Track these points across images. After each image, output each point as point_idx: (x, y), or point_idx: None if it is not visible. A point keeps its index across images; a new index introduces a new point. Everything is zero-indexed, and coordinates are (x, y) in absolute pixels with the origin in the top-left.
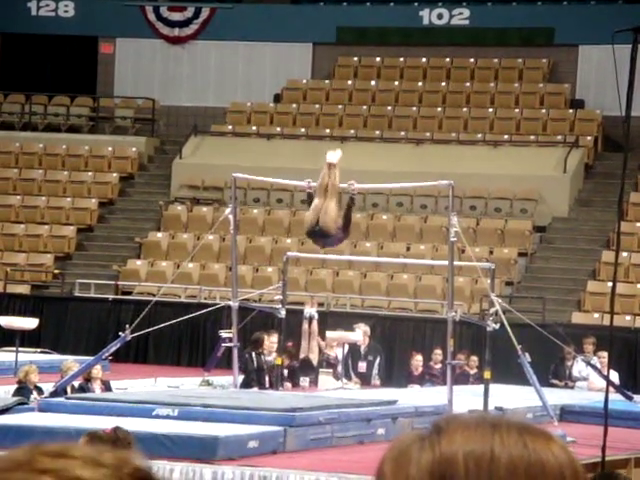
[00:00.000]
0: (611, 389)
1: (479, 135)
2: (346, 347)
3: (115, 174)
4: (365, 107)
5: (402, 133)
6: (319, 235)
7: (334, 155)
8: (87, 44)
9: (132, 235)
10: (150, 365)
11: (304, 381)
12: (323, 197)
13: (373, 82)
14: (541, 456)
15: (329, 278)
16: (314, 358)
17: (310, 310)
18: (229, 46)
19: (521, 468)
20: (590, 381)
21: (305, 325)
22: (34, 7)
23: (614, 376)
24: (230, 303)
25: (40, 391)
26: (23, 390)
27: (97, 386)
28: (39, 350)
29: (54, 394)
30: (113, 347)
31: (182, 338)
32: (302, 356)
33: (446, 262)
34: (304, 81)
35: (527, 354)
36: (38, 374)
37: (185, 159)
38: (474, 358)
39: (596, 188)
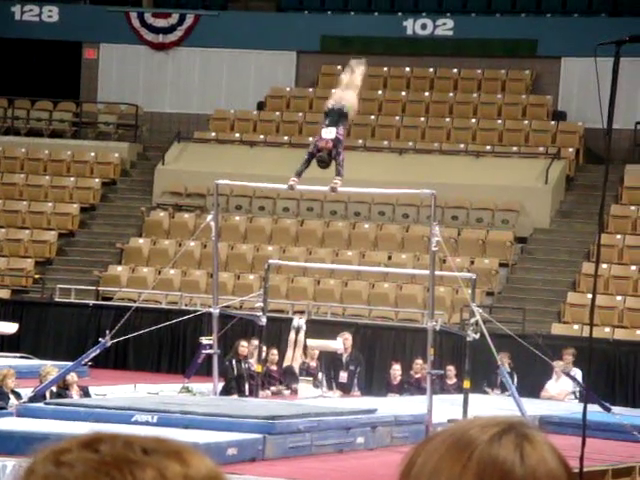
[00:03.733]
0: (570, 389)
1: (462, 145)
2: (317, 357)
3: (97, 179)
4: None
5: (385, 142)
6: (336, 113)
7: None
8: (71, 49)
9: (113, 241)
10: (130, 371)
11: (285, 389)
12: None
13: None
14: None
15: (310, 286)
16: (297, 367)
17: (299, 321)
18: (213, 53)
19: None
20: (545, 389)
21: (292, 335)
22: (18, 12)
23: (578, 374)
24: (211, 310)
25: (18, 396)
26: (0, 395)
27: (75, 392)
28: (18, 355)
29: (33, 399)
30: (93, 353)
31: (162, 344)
32: (285, 364)
33: (427, 271)
34: (288, 89)
35: (506, 364)
36: (16, 379)
37: (168, 165)
38: (450, 367)
39: (577, 200)
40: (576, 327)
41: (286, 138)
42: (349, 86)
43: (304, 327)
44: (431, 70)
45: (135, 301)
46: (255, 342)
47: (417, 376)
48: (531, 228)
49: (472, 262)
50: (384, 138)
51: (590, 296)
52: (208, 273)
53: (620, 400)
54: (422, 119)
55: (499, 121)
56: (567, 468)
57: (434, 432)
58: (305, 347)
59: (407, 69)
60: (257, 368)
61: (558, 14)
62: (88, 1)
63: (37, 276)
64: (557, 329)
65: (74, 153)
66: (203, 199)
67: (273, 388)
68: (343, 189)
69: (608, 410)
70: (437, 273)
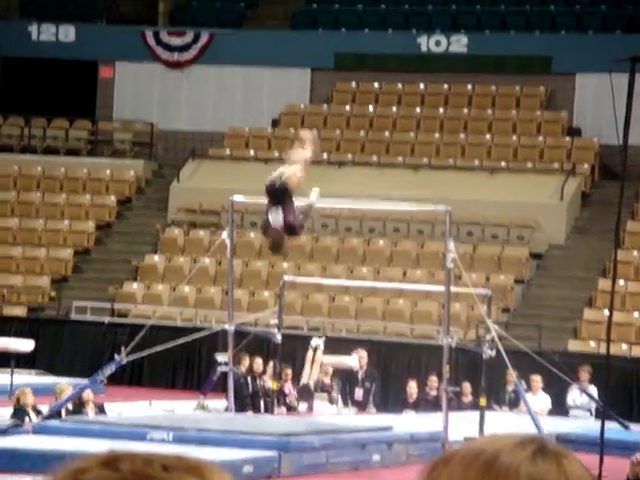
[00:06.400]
0: (550, 405)
1: (476, 161)
2: (331, 373)
3: (113, 197)
4: (363, 132)
5: (399, 158)
6: (275, 191)
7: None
8: (87, 68)
9: (129, 258)
10: (145, 388)
11: (302, 406)
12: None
13: (371, 108)
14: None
15: (325, 303)
16: (313, 385)
17: (317, 340)
18: (228, 71)
19: None
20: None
21: (310, 353)
22: (35, 32)
23: (593, 391)
24: (226, 327)
25: (39, 413)
26: (19, 412)
27: (90, 410)
28: (34, 372)
29: (48, 417)
30: (108, 370)
31: (177, 361)
32: (302, 382)
33: (442, 288)
34: (302, 106)
35: (523, 381)
36: (33, 396)
37: (183, 183)
38: (466, 384)
39: (593, 216)
40: (593, 344)
41: None
42: (295, 161)
43: (322, 347)
44: (445, 86)
45: (150, 318)
46: (251, 358)
47: (433, 393)
48: (546, 244)
49: (487, 278)
50: (399, 154)
51: (607, 312)
52: (223, 290)
53: (638, 417)
54: (437, 135)
55: (514, 137)
56: None
57: (444, 454)
58: (321, 365)
59: (421, 86)
60: (272, 385)
61: (572, 31)
62: (104, 20)
63: (53, 294)
64: (573, 346)
65: (90, 171)
66: (218, 216)
67: (291, 402)
68: (358, 206)
69: (626, 427)
70: (452, 289)
